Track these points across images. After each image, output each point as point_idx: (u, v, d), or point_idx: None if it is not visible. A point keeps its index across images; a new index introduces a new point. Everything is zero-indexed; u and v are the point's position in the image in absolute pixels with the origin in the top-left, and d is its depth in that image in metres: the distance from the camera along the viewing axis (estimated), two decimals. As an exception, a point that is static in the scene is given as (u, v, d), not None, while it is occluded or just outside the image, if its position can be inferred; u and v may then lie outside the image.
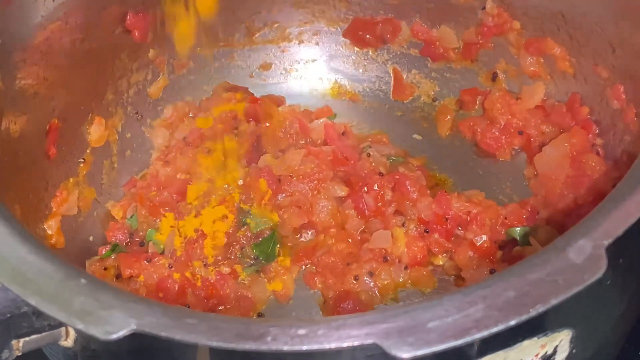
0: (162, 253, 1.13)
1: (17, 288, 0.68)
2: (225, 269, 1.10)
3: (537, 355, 0.73)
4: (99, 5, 1.13)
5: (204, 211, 1.15)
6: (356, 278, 1.09)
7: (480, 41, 1.27)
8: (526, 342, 0.71)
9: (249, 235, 1.15)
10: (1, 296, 0.70)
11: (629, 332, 0.98)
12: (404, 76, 1.36)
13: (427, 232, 1.13)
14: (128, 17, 1.18)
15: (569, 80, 1.18)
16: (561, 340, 0.74)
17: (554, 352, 0.75)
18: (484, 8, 1.24)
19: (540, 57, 1.21)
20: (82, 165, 1.17)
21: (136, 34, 1.20)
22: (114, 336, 0.63)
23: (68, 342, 0.73)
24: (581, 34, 1.13)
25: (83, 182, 1.16)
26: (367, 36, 1.36)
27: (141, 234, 1.17)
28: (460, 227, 1.13)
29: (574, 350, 0.77)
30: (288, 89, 1.38)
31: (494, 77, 1.28)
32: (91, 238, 1.16)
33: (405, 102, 1.36)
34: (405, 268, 1.11)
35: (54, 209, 1.09)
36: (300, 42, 1.39)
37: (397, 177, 1.17)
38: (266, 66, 1.38)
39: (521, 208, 1.12)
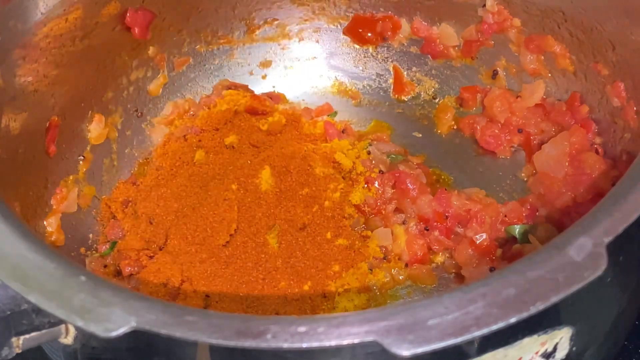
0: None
1: (17, 285, 0.68)
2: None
3: (537, 352, 0.73)
4: (98, 3, 1.13)
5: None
6: None
7: (480, 39, 1.27)
8: (526, 340, 0.71)
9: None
10: (1, 293, 0.70)
11: (629, 329, 0.98)
12: (404, 74, 1.36)
13: (427, 230, 1.13)
14: (128, 14, 1.18)
15: (569, 78, 1.18)
16: (561, 337, 0.74)
17: (554, 349, 0.75)
18: (484, 5, 1.24)
19: (541, 55, 1.21)
20: (81, 162, 1.16)
21: (136, 31, 1.20)
22: (114, 333, 0.63)
23: (68, 340, 0.73)
24: (581, 32, 1.13)
25: (83, 180, 1.16)
26: (368, 34, 1.36)
27: (141, 231, 1.16)
28: (460, 225, 1.13)
29: (574, 348, 0.77)
30: (288, 86, 1.38)
31: (494, 75, 1.28)
32: (91, 235, 1.16)
33: (405, 99, 1.36)
34: (406, 266, 1.11)
35: (54, 207, 1.09)
36: (301, 39, 1.38)
37: (397, 174, 1.17)
38: (266, 63, 1.38)
39: (521, 206, 1.12)
